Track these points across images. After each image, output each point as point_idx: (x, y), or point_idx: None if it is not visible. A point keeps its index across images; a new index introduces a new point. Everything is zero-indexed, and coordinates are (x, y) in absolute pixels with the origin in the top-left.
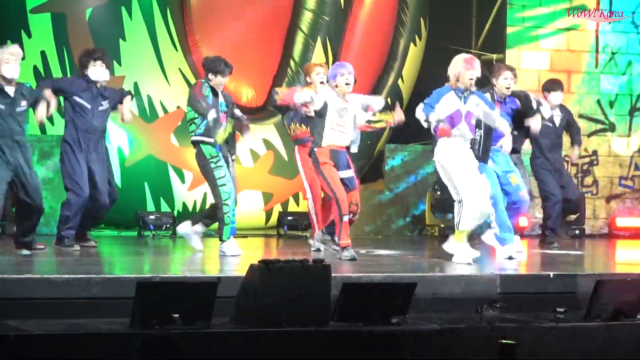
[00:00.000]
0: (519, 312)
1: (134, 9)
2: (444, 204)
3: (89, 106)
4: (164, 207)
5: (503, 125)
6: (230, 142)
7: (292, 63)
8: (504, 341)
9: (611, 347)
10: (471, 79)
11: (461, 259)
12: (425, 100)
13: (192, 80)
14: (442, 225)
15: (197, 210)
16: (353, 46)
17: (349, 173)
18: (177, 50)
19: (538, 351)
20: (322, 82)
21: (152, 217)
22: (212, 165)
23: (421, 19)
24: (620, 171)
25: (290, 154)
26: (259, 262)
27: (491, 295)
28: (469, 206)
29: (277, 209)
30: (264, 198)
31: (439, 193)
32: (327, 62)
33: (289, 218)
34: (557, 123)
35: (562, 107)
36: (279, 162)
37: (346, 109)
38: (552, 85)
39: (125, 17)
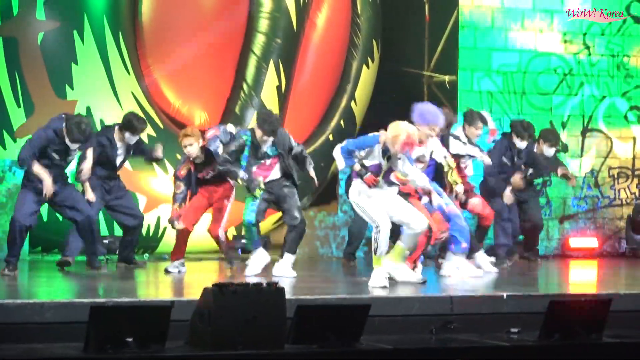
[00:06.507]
0: (473, 333)
1: (86, 33)
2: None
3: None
4: (118, 232)
5: (423, 182)
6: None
7: (244, 86)
8: None
9: None
10: (403, 153)
11: (375, 282)
12: (349, 145)
13: (145, 104)
14: None
15: (151, 234)
16: (306, 68)
17: None
18: (129, 74)
19: None
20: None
21: (105, 241)
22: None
23: (374, 41)
24: (573, 192)
25: None
26: (212, 285)
27: (445, 316)
28: (384, 233)
29: (232, 232)
30: None
31: None
32: (279, 85)
33: (243, 241)
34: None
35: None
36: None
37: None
38: (546, 136)
39: (77, 41)
